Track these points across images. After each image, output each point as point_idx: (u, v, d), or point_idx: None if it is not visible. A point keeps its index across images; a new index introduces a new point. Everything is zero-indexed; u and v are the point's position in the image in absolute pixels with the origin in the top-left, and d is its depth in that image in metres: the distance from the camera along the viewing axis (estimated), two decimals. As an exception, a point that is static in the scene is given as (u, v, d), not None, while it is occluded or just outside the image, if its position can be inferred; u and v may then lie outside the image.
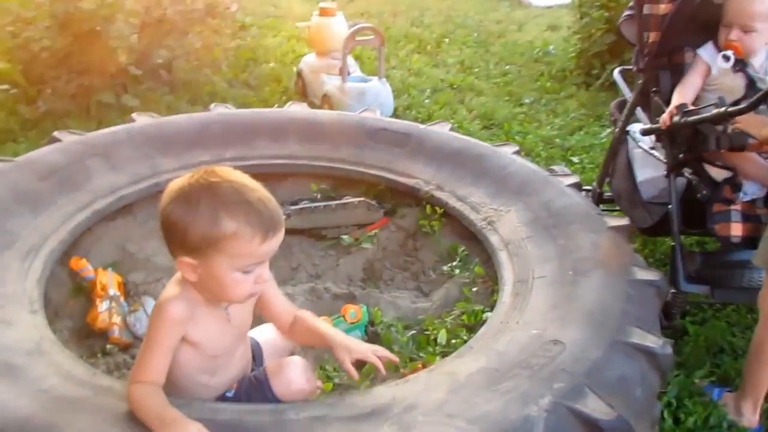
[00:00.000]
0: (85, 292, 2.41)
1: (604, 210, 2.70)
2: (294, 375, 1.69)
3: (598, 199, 3.09)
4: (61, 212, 2.37)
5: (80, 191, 2.48)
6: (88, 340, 2.27)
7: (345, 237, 2.86)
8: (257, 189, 1.52)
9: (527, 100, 5.06)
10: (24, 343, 1.74)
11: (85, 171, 2.56)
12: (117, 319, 2.27)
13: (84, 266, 2.41)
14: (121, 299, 2.38)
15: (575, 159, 4.06)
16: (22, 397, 1.51)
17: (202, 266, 1.52)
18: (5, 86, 4.22)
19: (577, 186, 2.55)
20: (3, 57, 4.18)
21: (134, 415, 1.47)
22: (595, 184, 3.13)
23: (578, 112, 4.82)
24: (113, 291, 2.37)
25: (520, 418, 1.48)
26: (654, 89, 2.63)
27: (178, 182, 1.53)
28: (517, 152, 2.82)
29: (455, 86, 5.32)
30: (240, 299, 1.60)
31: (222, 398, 1.72)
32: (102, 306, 2.29)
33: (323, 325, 1.84)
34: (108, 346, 2.21)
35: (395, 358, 1.78)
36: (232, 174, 1.53)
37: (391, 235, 2.88)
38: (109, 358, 2.16)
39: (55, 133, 2.76)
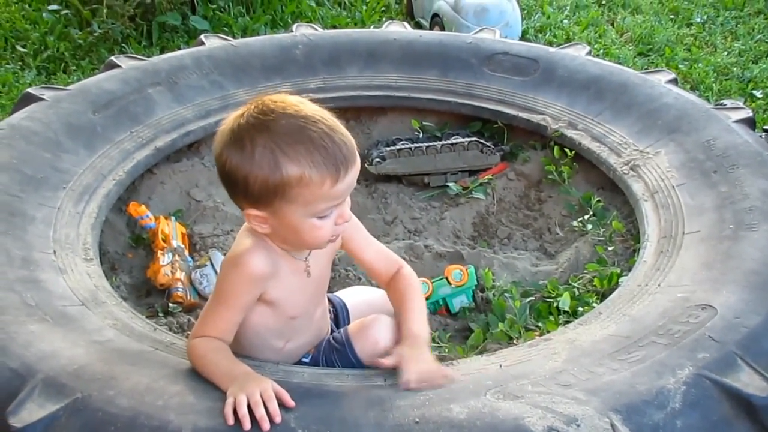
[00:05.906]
0: (144, 243, 2.64)
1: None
2: (381, 334, 1.79)
3: (783, 142, 3.05)
4: (118, 149, 2.60)
5: (140, 125, 2.71)
6: (149, 298, 2.49)
7: (452, 185, 2.95)
8: (320, 119, 1.56)
9: (698, 19, 4.97)
10: (78, 293, 1.95)
11: (146, 102, 2.78)
12: (181, 274, 2.47)
13: (144, 213, 2.64)
14: (186, 253, 2.59)
15: (758, 93, 3.99)
16: (77, 347, 1.70)
17: (271, 217, 1.62)
18: (55, 6, 4.52)
19: (749, 122, 2.54)
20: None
21: (197, 372, 1.62)
22: (779, 122, 3.10)
23: (766, 33, 4.70)
24: (176, 243, 2.57)
25: (651, 390, 1.55)
26: None
27: (228, 122, 1.61)
28: (673, 81, 2.83)
29: (604, 1, 5.27)
30: (322, 244, 1.70)
31: (297, 364, 1.85)
32: (164, 259, 2.50)
33: (411, 306, 1.84)
34: (170, 305, 2.41)
35: (458, 376, 1.66)
36: (288, 105, 1.58)
37: (509, 183, 2.96)
38: (171, 319, 2.36)
39: (113, 58, 3.00)
